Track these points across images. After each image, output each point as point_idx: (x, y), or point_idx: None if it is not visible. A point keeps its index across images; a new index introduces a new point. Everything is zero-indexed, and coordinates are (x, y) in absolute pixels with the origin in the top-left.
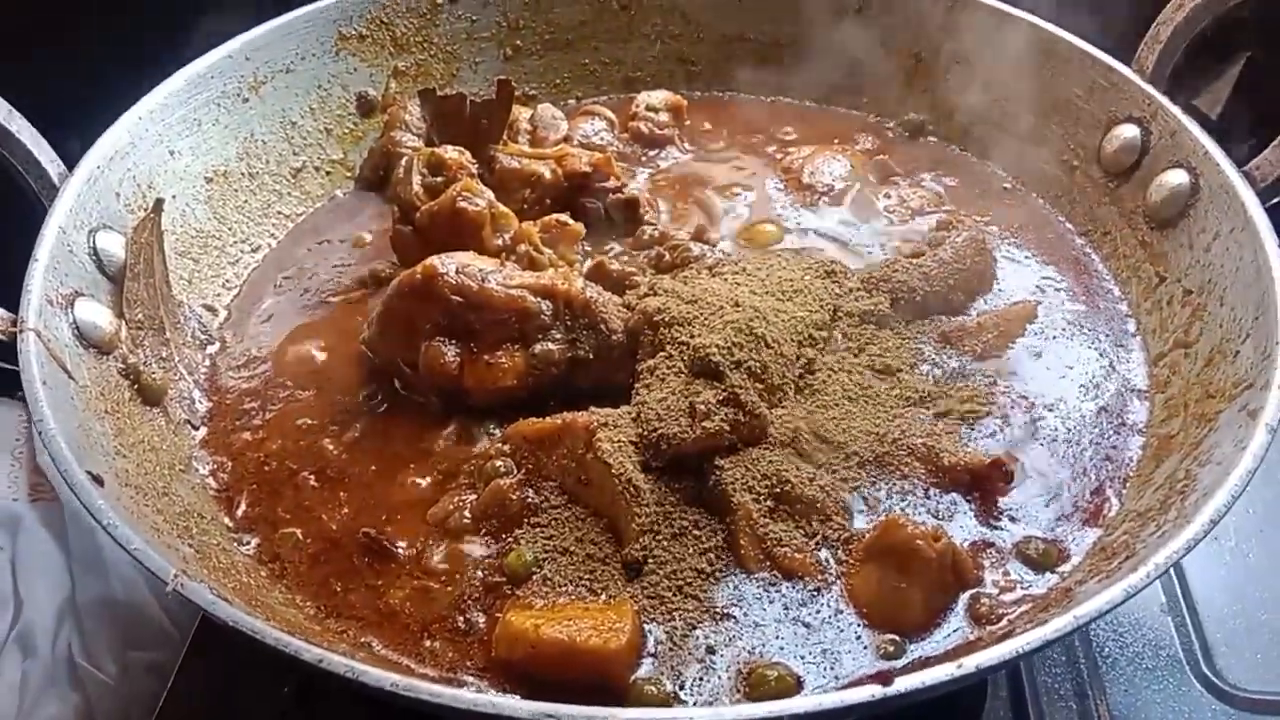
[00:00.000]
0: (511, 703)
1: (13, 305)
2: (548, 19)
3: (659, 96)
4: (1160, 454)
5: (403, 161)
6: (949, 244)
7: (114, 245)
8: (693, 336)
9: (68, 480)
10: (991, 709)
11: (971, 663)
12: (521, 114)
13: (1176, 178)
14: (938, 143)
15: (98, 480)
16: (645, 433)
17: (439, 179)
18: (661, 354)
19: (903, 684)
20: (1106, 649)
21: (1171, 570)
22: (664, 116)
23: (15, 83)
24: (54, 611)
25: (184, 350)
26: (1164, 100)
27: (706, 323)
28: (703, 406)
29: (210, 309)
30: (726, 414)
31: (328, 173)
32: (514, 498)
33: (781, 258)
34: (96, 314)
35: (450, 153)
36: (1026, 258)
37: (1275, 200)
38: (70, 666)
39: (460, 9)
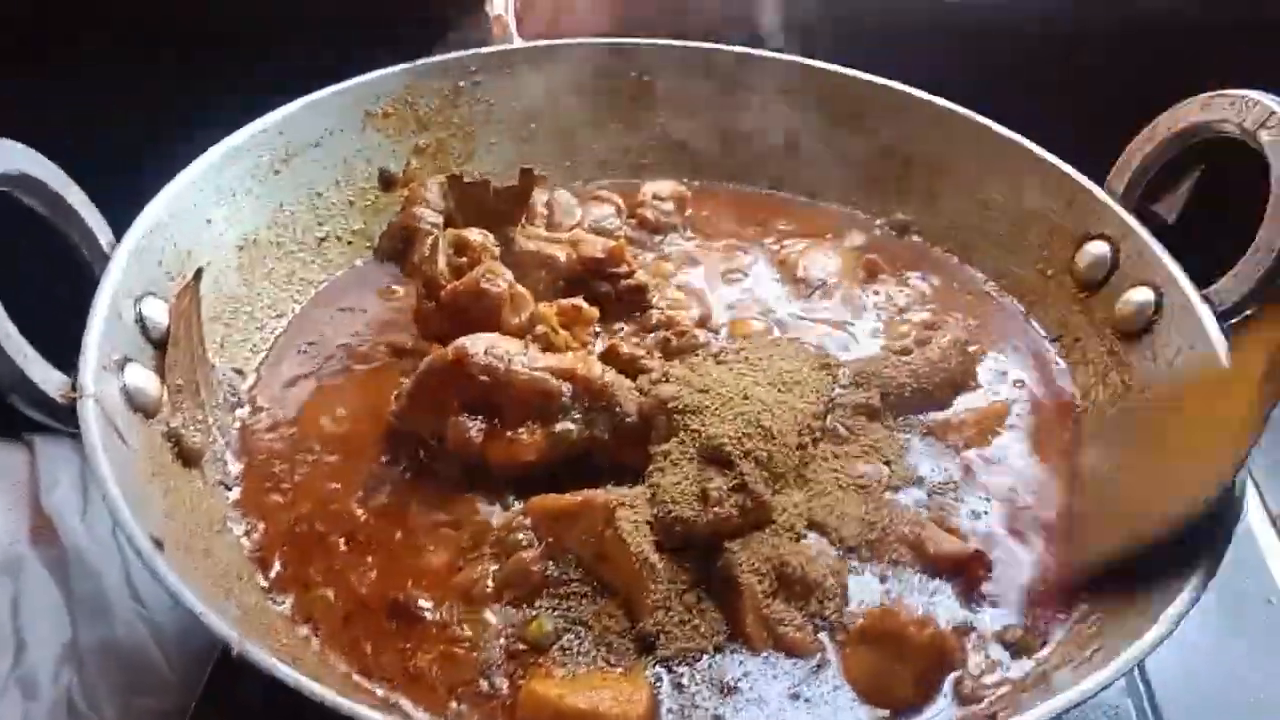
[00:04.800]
0: None
1: (63, 365)
2: (561, 105)
3: (665, 187)
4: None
5: (429, 241)
6: (935, 344)
7: (158, 312)
8: (705, 425)
9: (133, 545)
10: None
11: None
12: (538, 199)
13: (1142, 295)
14: (922, 242)
15: (159, 544)
16: (660, 514)
17: (463, 259)
18: (675, 439)
19: None
20: None
21: None
22: (669, 205)
23: (64, 154)
24: (55, 654)
25: (217, 413)
26: (1133, 222)
27: (718, 413)
28: (715, 493)
29: (239, 372)
30: (736, 500)
31: (349, 242)
32: (535, 569)
33: (781, 348)
34: (144, 379)
35: (474, 235)
36: (1002, 359)
37: (1232, 321)
38: (70, 710)
39: (480, 92)
